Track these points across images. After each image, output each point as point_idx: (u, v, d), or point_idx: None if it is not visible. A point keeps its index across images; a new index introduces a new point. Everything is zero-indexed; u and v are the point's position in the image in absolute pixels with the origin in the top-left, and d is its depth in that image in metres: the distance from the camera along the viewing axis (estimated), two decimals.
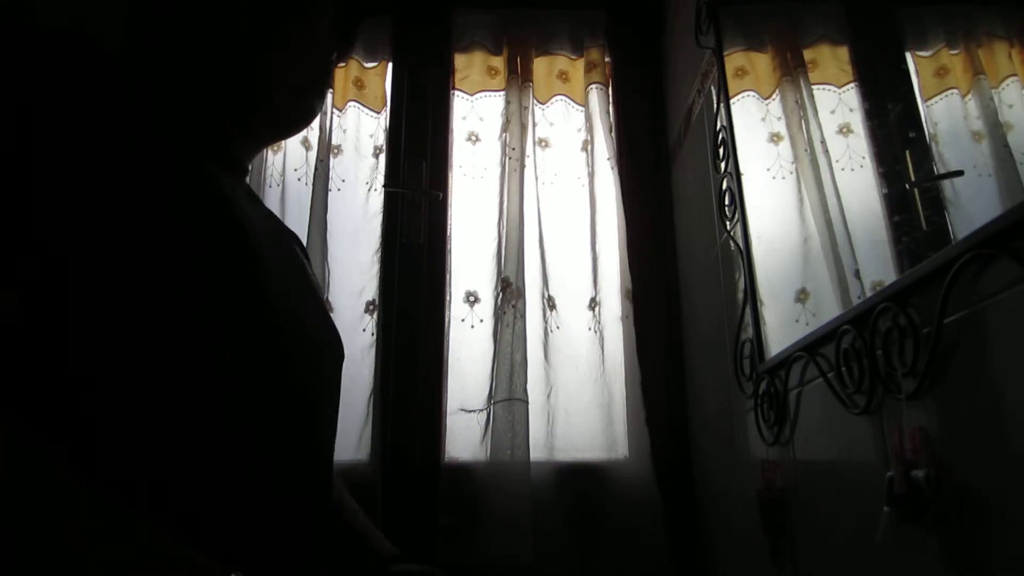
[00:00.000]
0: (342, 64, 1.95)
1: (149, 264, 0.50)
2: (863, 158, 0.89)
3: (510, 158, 1.87)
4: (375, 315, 1.80)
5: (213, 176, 0.59)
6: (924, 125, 0.76)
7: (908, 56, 0.81)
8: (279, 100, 0.69)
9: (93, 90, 0.52)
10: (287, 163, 1.91)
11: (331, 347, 0.74)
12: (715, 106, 1.44)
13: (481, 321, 1.79)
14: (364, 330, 1.79)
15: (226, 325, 0.55)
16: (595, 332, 1.79)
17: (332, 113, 1.90)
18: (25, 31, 0.51)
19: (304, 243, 1.87)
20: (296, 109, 0.72)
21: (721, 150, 1.40)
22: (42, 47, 0.50)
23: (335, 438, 0.73)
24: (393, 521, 1.58)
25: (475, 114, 1.98)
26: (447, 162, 1.93)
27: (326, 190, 1.85)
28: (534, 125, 1.94)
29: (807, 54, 1.07)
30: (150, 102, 0.57)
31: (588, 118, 1.95)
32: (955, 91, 0.71)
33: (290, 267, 0.72)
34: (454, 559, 1.57)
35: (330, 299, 1.79)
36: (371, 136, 1.94)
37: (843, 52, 0.99)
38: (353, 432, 1.68)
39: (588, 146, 1.93)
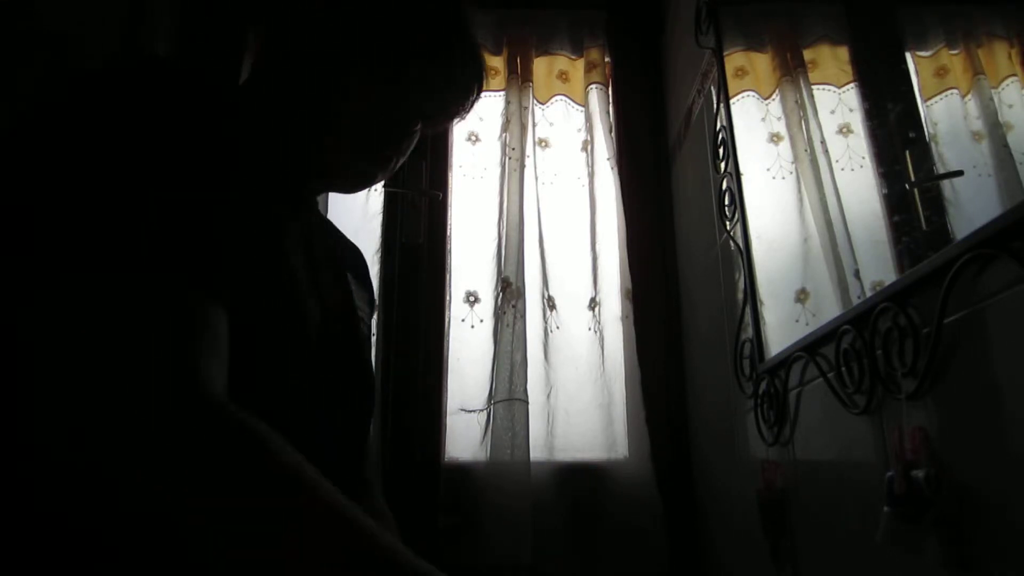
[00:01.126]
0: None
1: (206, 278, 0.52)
2: (863, 158, 0.89)
3: (510, 158, 1.87)
4: (375, 315, 1.80)
5: (274, 209, 0.62)
6: (924, 125, 0.76)
7: (908, 56, 0.81)
8: (332, 159, 0.69)
9: (205, 120, 0.56)
10: None
11: (354, 393, 0.72)
12: (715, 106, 1.44)
13: (481, 321, 1.79)
14: None
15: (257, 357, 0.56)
16: (595, 332, 1.79)
17: None
18: (153, 65, 0.56)
19: None
20: (348, 172, 0.72)
21: (721, 150, 1.40)
22: (167, 78, 0.55)
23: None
24: None
25: (475, 114, 1.97)
26: (447, 162, 1.93)
27: None
28: (534, 125, 1.94)
29: (807, 54, 1.07)
30: (240, 132, 0.60)
31: (588, 118, 1.95)
32: (955, 91, 0.71)
33: (338, 309, 0.72)
34: (454, 559, 1.57)
35: None
36: None
37: (843, 52, 0.99)
38: None
39: (588, 146, 1.93)
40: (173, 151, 0.52)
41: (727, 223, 1.36)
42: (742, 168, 1.29)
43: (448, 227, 1.89)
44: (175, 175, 0.51)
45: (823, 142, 0.99)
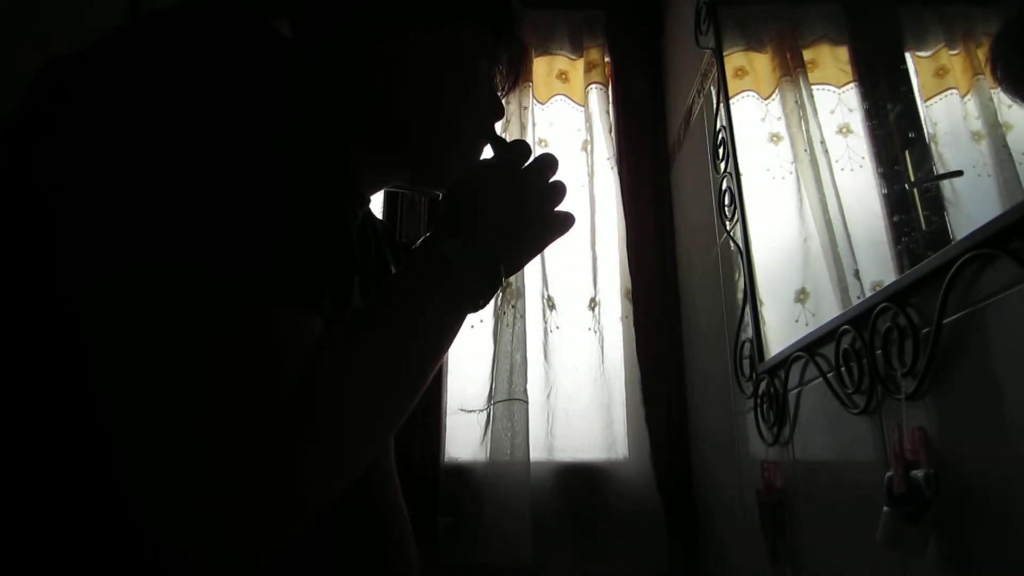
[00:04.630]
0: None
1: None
2: (863, 158, 0.89)
3: None
4: None
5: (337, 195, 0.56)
6: (924, 125, 0.76)
7: (908, 56, 0.81)
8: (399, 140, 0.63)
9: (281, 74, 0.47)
10: None
11: None
12: (715, 106, 1.43)
13: (481, 321, 1.79)
14: None
15: None
16: (595, 332, 1.79)
17: None
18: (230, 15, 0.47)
19: None
20: (423, 155, 0.65)
21: (721, 150, 1.40)
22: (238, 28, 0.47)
23: None
24: None
25: None
26: None
27: None
28: (533, 125, 1.93)
29: (807, 54, 1.07)
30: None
31: (588, 118, 1.95)
32: (954, 91, 0.71)
33: None
34: (454, 559, 1.57)
35: None
36: None
37: (843, 52, 0.99)
38: None
39: (588, 146, 1.93)
40: (269, 115, 0.44)
41: (727, 223, 1.36)
42: (742, 168, 1.29)
43: None
44: (278, 150, 0.43)
45: (823, 142, 0.99)
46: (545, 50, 2.02)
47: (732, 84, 1.34)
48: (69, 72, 0.45)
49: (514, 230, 0.60)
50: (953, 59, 0.72)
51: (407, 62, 0.63)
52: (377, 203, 1.89)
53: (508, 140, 0.69)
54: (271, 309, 0.41)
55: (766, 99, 1.22)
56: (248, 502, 0.38)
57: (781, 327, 1.13)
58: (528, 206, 0.61)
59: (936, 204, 0.73)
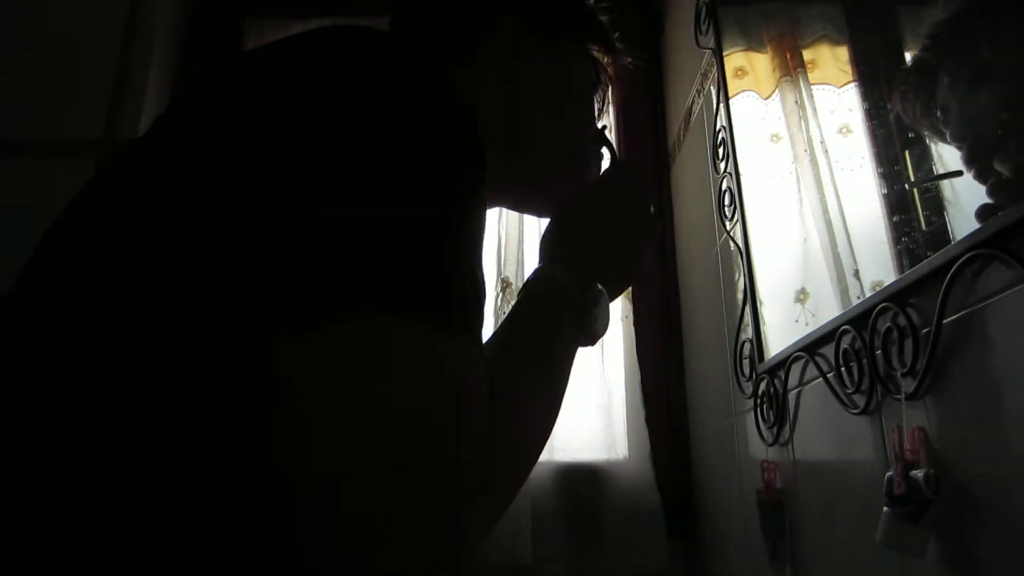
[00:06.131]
0: None
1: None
2: (863, 158, 0.89)
3: None
4: None
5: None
6: None
7: (908, 56, 0.81)
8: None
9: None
10: None
11: None
12: (715, 106, 1.43)
13: None
14: None
15: None
16: None
17: None
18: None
19: None
20: (535, 178, 0.65)
21: (721, 150, 1.40)
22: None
23: None
24: None
25: None
26: None
27: None
28: None
29: (807, 54, 1.07)
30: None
31: None
32: None
33: None
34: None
35: None
36: None
37: (843, 52, 0.99)
38: None
39: None
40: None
41: (727, 223, 1.36)
42: (742, 168, 1.29)
43: None
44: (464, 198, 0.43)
45: (823, 142, 0.99)
46: None
47: (732, 84, 1.34)
48: (263, 92, 0.42)
49: (619, 260, 0.61)
50: None
51: (524, 81, 0.62)
52: None
53: (621, 159, 0.68)
54: (471, 359, 0.39)
55: (766, 99, 1.22)
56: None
57: (781, 327, 1.13)
58: (632, 238, 0.62)
59: (936, 204, 0.73)
